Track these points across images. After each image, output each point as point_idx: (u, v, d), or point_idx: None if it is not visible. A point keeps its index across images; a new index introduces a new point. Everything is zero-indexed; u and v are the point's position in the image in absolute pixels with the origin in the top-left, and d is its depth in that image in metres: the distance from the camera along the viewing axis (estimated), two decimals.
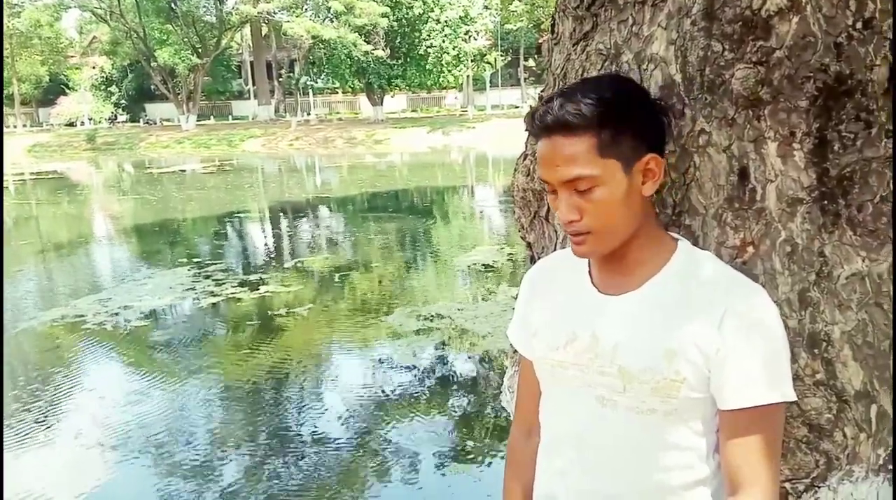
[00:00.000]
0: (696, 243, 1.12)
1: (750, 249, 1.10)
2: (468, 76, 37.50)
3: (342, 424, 4.34)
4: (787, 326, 1.08)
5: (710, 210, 1.12)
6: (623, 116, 0.99)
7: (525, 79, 40.43)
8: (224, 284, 7.68)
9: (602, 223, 0.99)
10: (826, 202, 1.07)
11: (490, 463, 3.74)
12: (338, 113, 41.19)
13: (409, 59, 33.74)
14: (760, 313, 0.98)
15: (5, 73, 38.99)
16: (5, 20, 34.80)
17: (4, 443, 4.15)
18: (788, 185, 1.07)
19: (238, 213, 13.73)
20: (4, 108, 41.34)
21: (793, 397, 0.99)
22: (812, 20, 1.04)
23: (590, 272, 1.10)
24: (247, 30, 38.79)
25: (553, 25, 1.39)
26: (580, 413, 1.06)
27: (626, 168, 0.98)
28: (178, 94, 35.63)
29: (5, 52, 36.83)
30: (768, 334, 0.98)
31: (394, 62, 33.52)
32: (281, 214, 14.06)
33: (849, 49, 1.04)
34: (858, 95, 1.04)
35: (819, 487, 1.11)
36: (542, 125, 1.00)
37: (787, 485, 1.11)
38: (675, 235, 1.09)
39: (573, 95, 0.99)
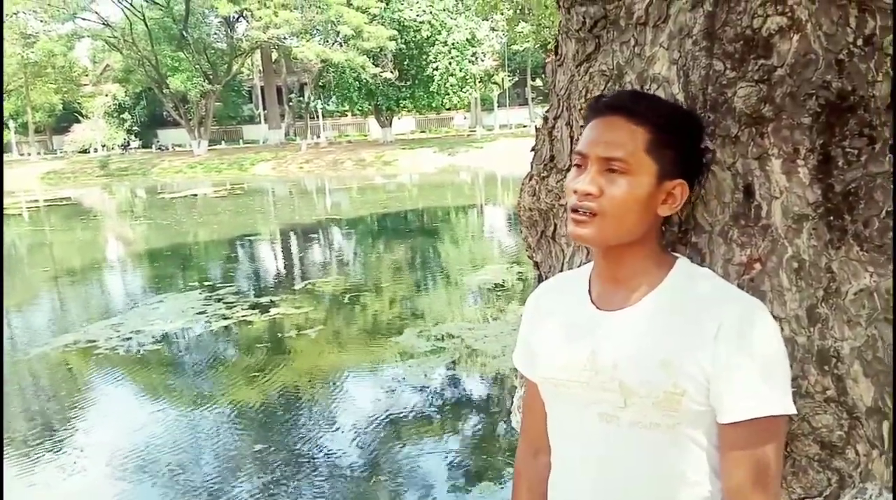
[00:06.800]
0: (702, 261, 1.13)
1: (757, 265, 1.10)
2: (476, 97, 37.72)
3: (353, 445, 4.32)
4: (796, 342, 1.08)
5: (716, 227, 1.13)
6: (683, 133, 1.05)
7: (533, 98, 40.63)
8: (235, 306, 7.71)
9: (614, 209, 1.00)
10: (832, 218, 1.06)
11: (502, 485, 3.71)
12: (347, 135, 41.47)
13: (416, 82, 34.00)
14: (756, 327, 0.98)
15: (20, 103, 39.61)
16: (20, 51, 35.42)
17: (15, 461, 4.16)
18: (794, 201, 1.07)
19: (249, 236, 13.81)
20: (20, 136, 42.02)
21: (792, 410, 0.98)
22: (812, 38, 1.05)
23: (589, 291, 1.10)
24: (257, 55, 39.27)
25: (556, 47, 1.41)
26: (585, 432, 1.06)
27: (658, 177, 1.02)
28: (190, 119, 36.05)
29: (20, 83, 37.46)
30: (765, 346, 0.97)
31: (402, 84, 33.80)
32: (292, 236, 14.12)
33: (850, 66, 1.05)
34: (861, 110, 1.05)
35: None
36: (609, 103, 1.04)
37: None
38: (676, 254, 1.10)
39: (651, 95, 1.13)
